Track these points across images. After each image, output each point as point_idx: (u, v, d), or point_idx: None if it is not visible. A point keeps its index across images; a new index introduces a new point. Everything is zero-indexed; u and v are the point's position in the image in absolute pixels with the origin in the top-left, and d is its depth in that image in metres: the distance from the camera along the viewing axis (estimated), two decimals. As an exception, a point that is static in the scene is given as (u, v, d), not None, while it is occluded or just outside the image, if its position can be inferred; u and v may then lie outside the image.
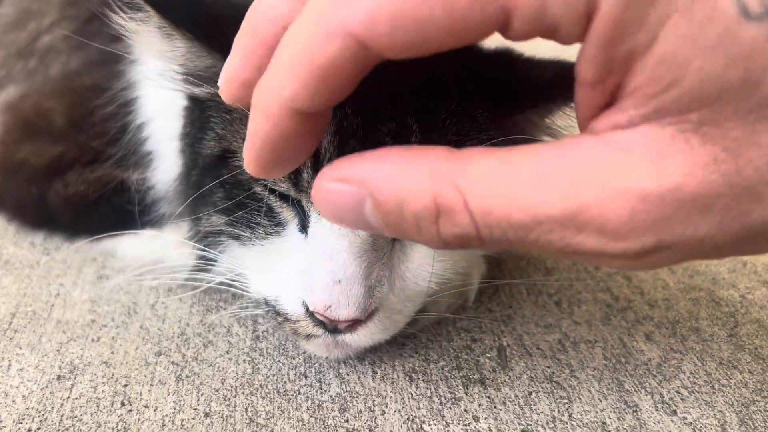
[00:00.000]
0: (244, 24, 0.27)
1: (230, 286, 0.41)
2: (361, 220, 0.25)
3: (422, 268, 0.39)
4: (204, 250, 0.41)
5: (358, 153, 0.25)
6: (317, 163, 0.34)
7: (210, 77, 0.38)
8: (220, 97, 0.37)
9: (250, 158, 0.27)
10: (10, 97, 0.62)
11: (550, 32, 0.22)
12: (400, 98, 0.34)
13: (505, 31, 0.22)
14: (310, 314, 0.37)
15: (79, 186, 0.49)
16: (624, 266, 0.24)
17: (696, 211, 0.22)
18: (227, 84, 0.28)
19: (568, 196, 0.22)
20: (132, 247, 0.50)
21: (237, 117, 0.37)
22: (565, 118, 0.39)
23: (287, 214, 0.38)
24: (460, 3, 0.21)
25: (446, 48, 0.23)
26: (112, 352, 0.42)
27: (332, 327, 0.37)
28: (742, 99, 0.21)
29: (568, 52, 0.38)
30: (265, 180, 0.36)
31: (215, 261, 0.42)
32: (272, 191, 0.37)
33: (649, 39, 0.21)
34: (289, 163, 0.27)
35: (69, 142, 0.50)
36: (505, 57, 0.41)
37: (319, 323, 0.37)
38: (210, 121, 0.38)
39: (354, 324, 0.37)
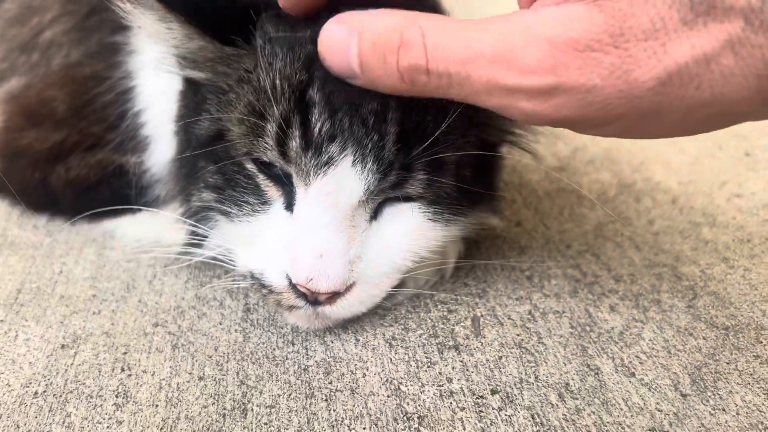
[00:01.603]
0: None
1: (220, 260, 0.44)
2: (345, 62, 0.34)
3: (398, 246, 0.42)
4: (195, 226, 0.44)
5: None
6: (306, 133, 0.37)
7: (203, 61, 0.41)
8: (216, 79, 0.41)
9: None
10: (13, 89, 0.65)
11: None
12: None
13: None
14: (293, 286, 0.40)
15: (81, 169, 0.52)
16: (535, 110, 0.31)
17: (589, 62, 0.29)
18: None
19: (499, 41, 0.30)
20: (130, 227, 0.53)
21: (233, 98, 0.40)
22: None
23: (274, 192, 0.41)
24: None
25: None
26: (113, 324, 0.45)
27: (313, 299, 0.40)
28: None
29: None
30: (256, 150, 0.39)
31: (206, 237, 0.45)
32: (261, 170, 0.40)
33: None
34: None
35: (71, 129, 0.53)
36: None
37: (301, 295, 0.40)
38: (205, 102, 0.41)
39: (333, 296, 0.40)
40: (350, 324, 0.45)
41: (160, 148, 0.50)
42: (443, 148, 0.38)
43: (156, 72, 0.48)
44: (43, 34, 0.65)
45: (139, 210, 0.52)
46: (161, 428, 0.37)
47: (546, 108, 0.31)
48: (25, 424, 0.38)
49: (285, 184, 0.40)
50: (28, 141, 0.55)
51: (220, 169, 0.41)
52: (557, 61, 0.29)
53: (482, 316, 0.47)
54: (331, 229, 0.38)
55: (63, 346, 0.43)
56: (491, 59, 0.30)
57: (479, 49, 0.30)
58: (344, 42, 0.33)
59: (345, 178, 0.37)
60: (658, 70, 0.29)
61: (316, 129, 0.37)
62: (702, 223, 0.58)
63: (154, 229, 0.52)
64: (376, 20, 0.33)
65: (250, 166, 0.40)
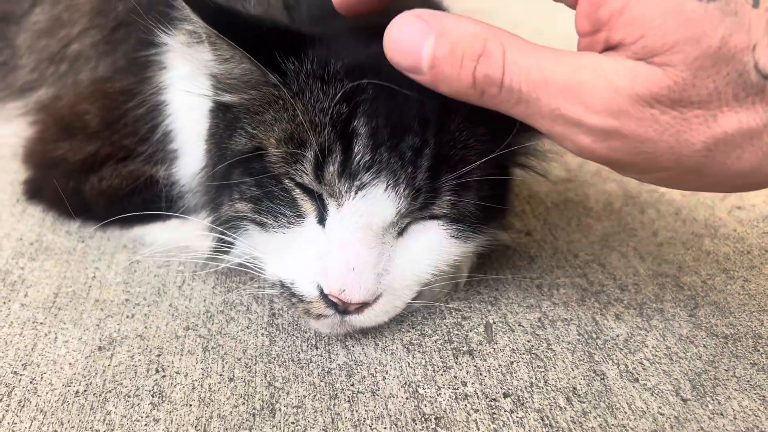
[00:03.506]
0: None
1: (247, 267, 0.47)
2: (413, 57, 0.35)
3: (421, 261, 0.45)
4: (225, 234, 0.47)
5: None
6: (344, 162, 0.40)
7: (242, 85, 0.43)
8: (251, 102, 0.43)
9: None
10: (42, 99, 0.68)
11: None
12: (423, 118, 0.40)
13: None
14: (324, 296, 0.42)
15: (113, 180, 0.55)
16: (591, 146, 0.34)
17: (647, 117, 0.32)
18: None
19: (571, 74, 0.33)
20: (159, 235, 0.56)
21: (268, 119, 0.42)
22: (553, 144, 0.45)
23: (308, 206, 0.43)
24: None
25: None
26: (146, 327, 0.48)
27: (342, 308, 0.43)
28: (687, 50, 0.31)
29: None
30: (292, 173, 0.41)
31: (233, 244, 0.48)
32: (297, 184, 0.42)
33: (622, 4, 0.32)
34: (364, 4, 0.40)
35: (103, 141, 0.56)
36: None
37: (331, 305, 0.43)
38: (241, 120, 0.43)
39: (362, 307, 0.43)
40: (370, 330, 0.48)
41: (188, 160, 0.53)
42: (469, 172, 0.41)
43: (186, 88, 0.50)
44: (71, 46, 0.67)
45: (169, 217, 0.55)
46: (196, 426, 0.40)
47: (601, 147, 0.34)
48: (69, 421, 0.40)
49: (318, 199, 0.43)
50: (62, 152, 0.57)
51: (258, 182, 0.43)
52: (620, 108, 0.32)
53: (494, 323, 0.49)
54: (363, 244, 0.41)
55: (100, 348, 0.46)
56: (561, 89, 0.33)
57: (552, 77, 0.33)
58: (416, 37, 0.34)
59: (377, 202, 0.40)
60: (706, 136, 0.32)
61: (356, 159, 0.39)
62: (704, 235, 0.60)
63: (182, 236, 0.54)
64: (460, 24, 0.34)
65: (287, 181, 0.43)
